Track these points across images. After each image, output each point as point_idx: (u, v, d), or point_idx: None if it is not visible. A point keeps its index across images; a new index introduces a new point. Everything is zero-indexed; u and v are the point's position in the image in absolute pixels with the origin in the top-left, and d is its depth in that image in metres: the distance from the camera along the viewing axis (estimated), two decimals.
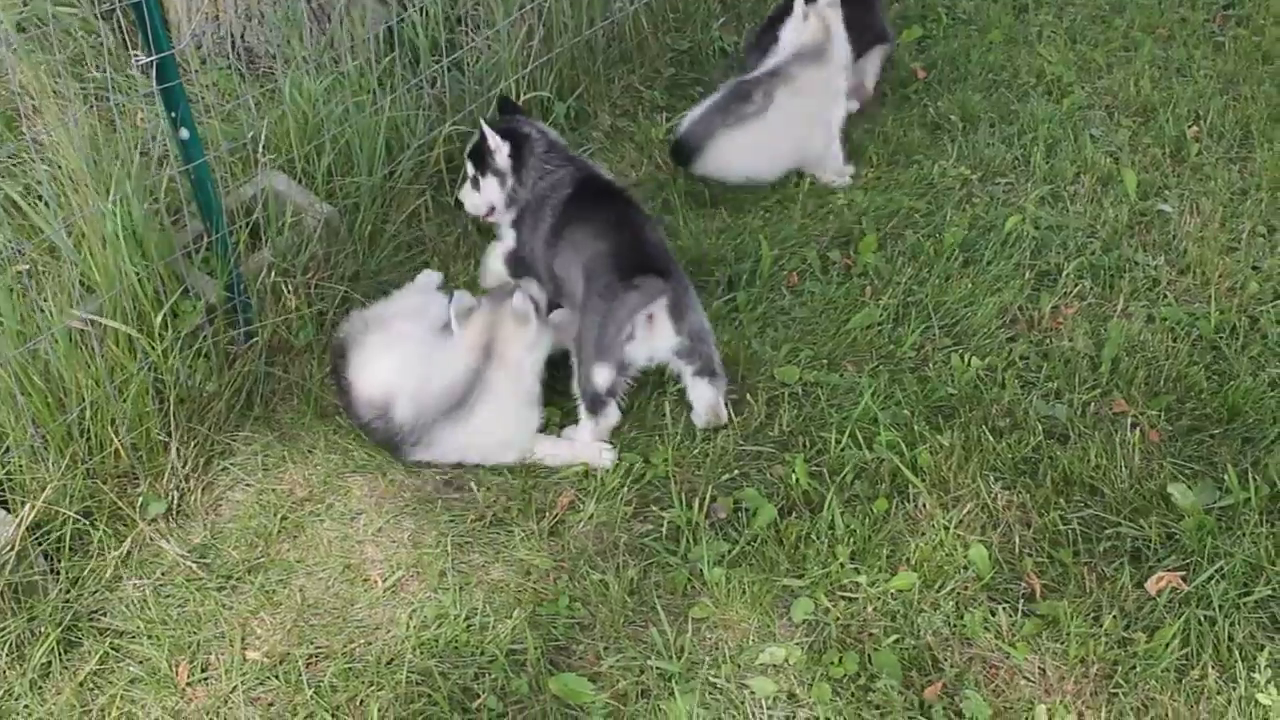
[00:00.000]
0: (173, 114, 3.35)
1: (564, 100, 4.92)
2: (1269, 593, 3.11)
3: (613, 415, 3.62)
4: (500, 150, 3.83)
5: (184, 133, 3.39)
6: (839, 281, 4.17)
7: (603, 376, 3.49)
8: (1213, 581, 3.12)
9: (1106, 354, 3.77)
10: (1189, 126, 4.91)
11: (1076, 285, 4.09)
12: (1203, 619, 3.05)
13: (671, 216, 4.51)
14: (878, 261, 4.22)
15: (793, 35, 4.74)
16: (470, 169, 3.97)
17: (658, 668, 3.02)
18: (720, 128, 4.63)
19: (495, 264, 4.03)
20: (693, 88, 5.34)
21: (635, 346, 3.52)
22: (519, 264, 3.94)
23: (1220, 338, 3.86)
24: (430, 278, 4.09)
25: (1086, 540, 3.24)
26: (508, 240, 3.96)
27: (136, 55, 3.22)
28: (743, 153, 4.64)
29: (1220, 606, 3.07)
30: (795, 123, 4.63)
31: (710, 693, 2.97)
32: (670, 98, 5.28)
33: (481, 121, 3.88)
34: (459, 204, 4.12)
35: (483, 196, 3.96)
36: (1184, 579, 3.14)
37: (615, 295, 3.44)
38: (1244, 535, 3.22)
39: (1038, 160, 4.72)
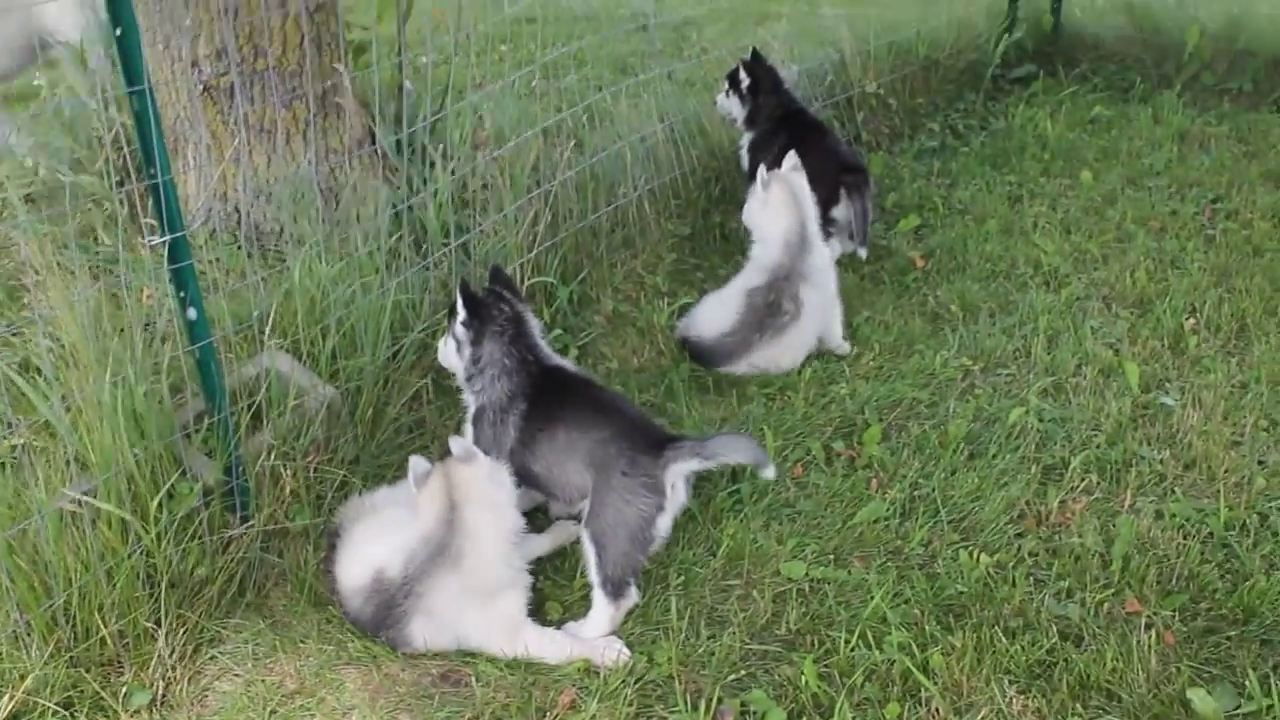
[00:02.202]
0: (182, 294, 3.34)
1: (567, 284, 4.95)
2: None
3: (634, 596, 3.61)
4: (458, 315, 3.80)
5: (192, 313, 3.37)
6: (844, 474, 4.13)
7: (643, 556, 3.59)
8: None
9: (1117, 551, 3.70)
10: (1186, 319, 4.96)
11: (1083, 480, 4.05)
12: None
13: (675, 404, 4.50)
14: (882, 454, 4.18)
15: (758, 208, 4.83)
16: (448, 320, 3.93)
17: None
18: (758, 344, 4.73)
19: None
20: (694, 273, 5.42)
21: (665, 516, 3.60)
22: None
23: (1231, 535, 3.81)
24: (419, 465, 3.95)
25: None
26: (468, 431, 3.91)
27: (150, 236, 3.23)
28: (779, 356, 4.75)
29: None
30: (817, 313, 4.75)
31: None
32: (672, 283, 5.34)
33: (460, 281, 3.83)
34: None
35: (445, 352, 3.93)
36: None
37: (645, 470, 3.53)
38: None
39: (1039, 352, 4.75)
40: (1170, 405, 4.42)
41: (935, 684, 3.27)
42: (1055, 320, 4.97)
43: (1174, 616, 3.52)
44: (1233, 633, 3.48)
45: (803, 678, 3.28)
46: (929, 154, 6.78)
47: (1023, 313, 5.03)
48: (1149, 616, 3.51)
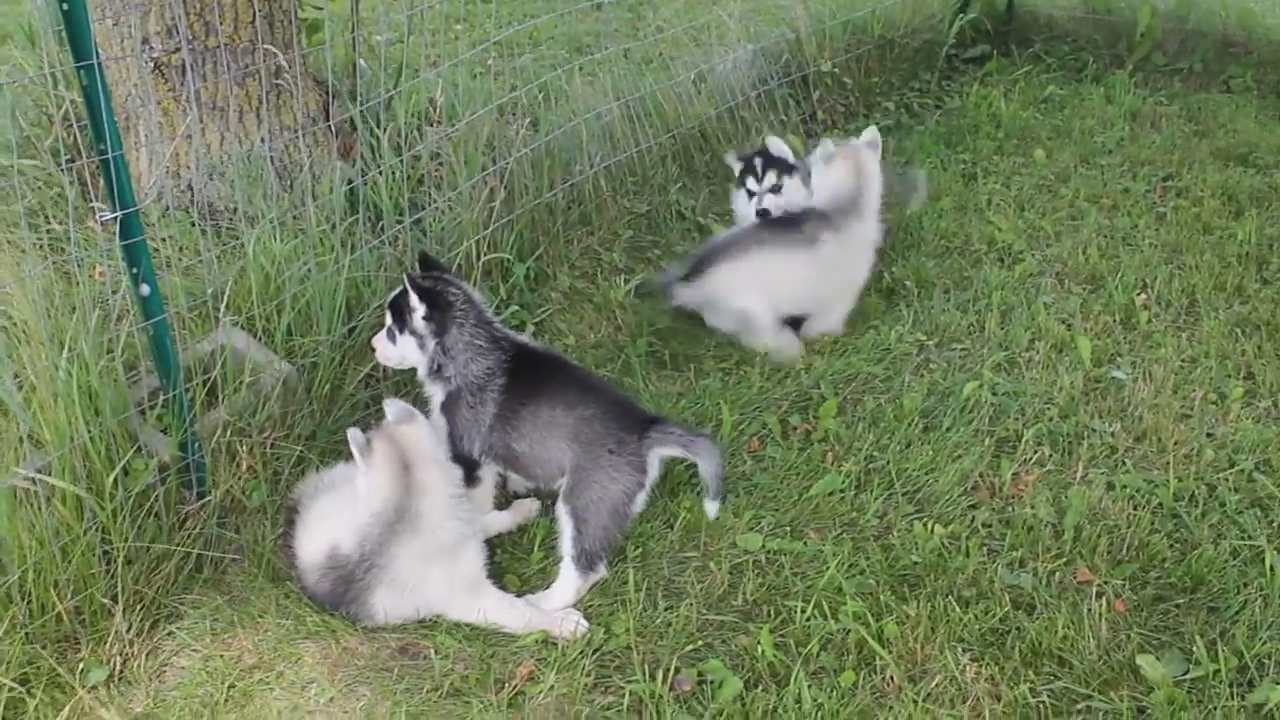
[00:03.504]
0: (134, 270, 3.32)
1: (524, 261, 4.95)
2: None
3: (603, 571, 3.65)
4: (416, 312, 3.76)
5: (145, 289, 3.35)
6: (800, 447, 4.17)
7: (619, 533, 3.69)
8: None
9: (1069, 521, 3.76)
10: (1137, 294, 5.03)
11: (1036, 452, 4.10)
12: None
13: (631, 379, 4.51)
14: (838, 427, 4.22)
15: (820, 181, 4.88)
16: (389, 319, 3.86)
17: None
18: (755, 248, 4.76)
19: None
20: (650, 250, 5.43)
21: (643, 493, 3.70)
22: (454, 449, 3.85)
23: (1180, 505, 3.87)
24: (357, 436, 3.54)
25: (1057, 714, 3.17)
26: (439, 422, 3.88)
27: (101, 210, 3.20)
28: (760, 281, 4.70)
29: None
30: (824, 270, 4.76)
31: None
32: (629, 259, 5.35)
33: (406, 277, 3.74)
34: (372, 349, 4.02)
35: (397, 351, 3.88)
36: None
37: (631, 449, 3.63)
38: (1215, 708, 3.17)
39: (992, 327, 4.80)
40: (1121, 379, 4.49)
41: (890, 652, 3.31)
42: (1009, 296, 5.02)
43: (1124, 585, 3.58)
44: (1181, 600, 3.54)
45: (759, 647, 3.32)
46: (884, 132, 6.76)
47: (977, 288, 5.08)
48: (1100, 585, 3.57)
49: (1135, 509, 3.85)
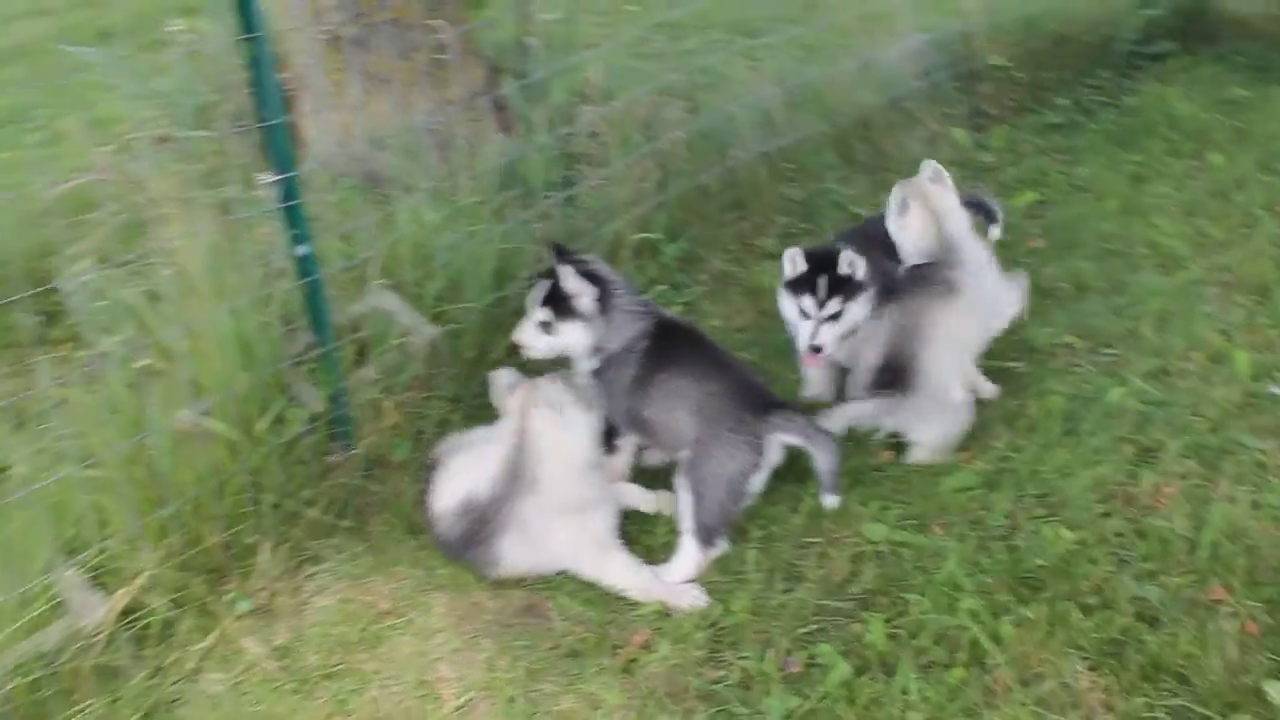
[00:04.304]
0: (293, 231, 3.51)
1: (674, 242, 5.02)
2: None
3: (723, 546, 3.72)
4: (586, 295, 3.85)
5: (302, 249, 3.55)
6: None
7: (736, 509, 3.74)
8: None
9: (1206, 538, 3.65)
10: None
11: (1179, 464, 3.99)
12: None
13: (779, 365, 4.56)
14: (975, 425, 4.19)
15: (898, 232, 4.35)
16: (544, 314, 3.89)
17: None
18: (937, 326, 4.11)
19: None
20: (804, 237, 5.42)
21: (760, 474, 3.73)
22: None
23: None
24: (504, 376, 3.78)
25: None
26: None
27: (264, 174, 3.40)
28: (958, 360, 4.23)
29: None
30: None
31: None
32: (782, 246, 5.34)
33: (562, 265, 3.81)
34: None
35: (556, 340, 3.92)
36: None
37: (750, 430, 3.67)
38: None
39: (1147, 333, 4.67)
40: (1279, 395, 4.32)
41: (1004, 653, 3.29)
42: (1168, 303, 4.86)
43: (1261, 608, 3.46)
44: None
45: (870, 635, 3.34)
46: (1053, 129, 6.66)
47: (1134, 293, 4.95)
48: (1233, 606, 3.46)
49: None
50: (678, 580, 3.64)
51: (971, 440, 4.14)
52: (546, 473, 3.55)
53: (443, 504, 3.72)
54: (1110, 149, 6.40)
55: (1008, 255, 5.31)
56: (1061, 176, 6.05)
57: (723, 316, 4.90)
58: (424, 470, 3.92)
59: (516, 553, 3.61)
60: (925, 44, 6.62)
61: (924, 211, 4.28)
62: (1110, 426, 4.16)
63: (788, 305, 4.21)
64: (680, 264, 5.05)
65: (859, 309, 4.15)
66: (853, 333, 4.17)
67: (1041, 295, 5.03)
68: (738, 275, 5.12)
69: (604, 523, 3.68)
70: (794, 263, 4.17)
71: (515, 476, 3.56)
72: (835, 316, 4.11)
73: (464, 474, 3.72)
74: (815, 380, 4.44)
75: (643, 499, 3.97)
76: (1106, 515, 3.80)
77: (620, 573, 3.62)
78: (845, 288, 4.10)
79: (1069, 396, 4.31)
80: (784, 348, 4.61)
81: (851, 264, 4.10)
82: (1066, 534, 3.68)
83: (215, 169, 4.58)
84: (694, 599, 3.56)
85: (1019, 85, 6.86)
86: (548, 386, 3.60)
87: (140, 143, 4.95)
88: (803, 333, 4.15)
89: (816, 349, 4.12)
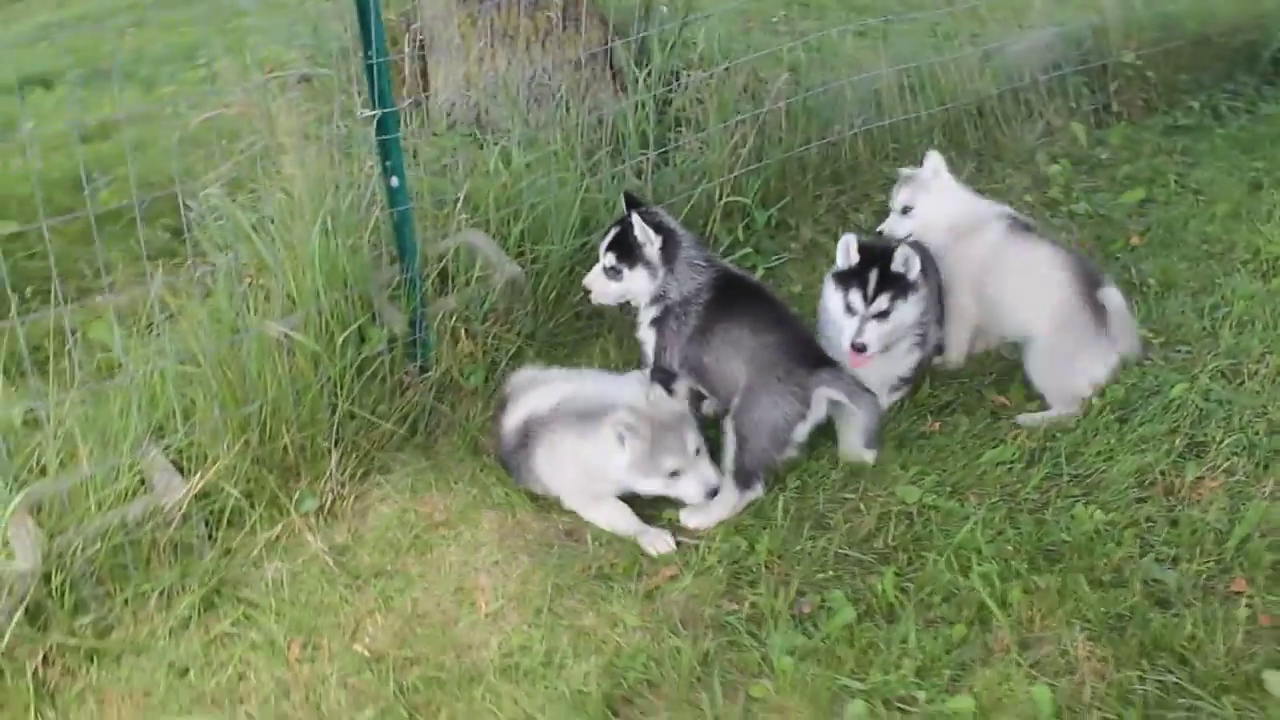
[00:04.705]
0: (386, 163, 3.82)
1: (766, 209, 5.19)
2: None
3: (759, 490, 3.92)
4: (653, 244, 4.07)
5: (394, 180, 3.85)
6: (986, 419, 4.25)
7: (779, 456, 3.93)
8: None
9: (1238, 531, 3.66)
10: None
11: (1228, 460, 3.99)
12: None
13: None
14: (1031, 407, 4.27)
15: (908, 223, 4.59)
16: (611, 259, 4.11)
17: None
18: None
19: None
20: None
21: (805, 425, 3.90)
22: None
23: None
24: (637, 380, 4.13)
25: (1161, 705, 3.17)
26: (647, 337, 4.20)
27: (363, 110, 3.71)
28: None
29: None
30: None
31: None
32: (877, 221, 5.46)
33: (634, 214, 4.04)
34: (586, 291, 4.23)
35: (622, 286, 4.15)
36: None
37: (798, 381, 3.86)
38: None
39: (1225, 335, 4.64)
40: None
41: (1008, 617, 3.39)
42: (1254, 307, 4.80)
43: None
44: None
45: (880, 585, 3.48)
46: (1178, 130, 6.58)
47: (1221, 294, 4.92)
48: (1251, 598, 3.48)
49: None
50: (714, 519, 3.85)
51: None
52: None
53: (510, 424, 4.00)
54: (1233, 154, 6.30)
55: (1105, 252, 5.34)
56: (1176, 177, 5.99)
57: (806, 284, 5.05)
58: (494, 399, 4.20)
59: (543, 471, 3.88)
60: (1056, 36, 6.61)
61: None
62: (1165, 419, 4.16)
63: (833, 298, 4.11)
64: (770, 231, 5.22)
65: (909, 310, 4.06)
66: (900, 336, 4.12)
67: (1128, 290, 5.03)
68: (827, 247, 5.23)
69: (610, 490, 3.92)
70: (847, 251, 4.10)
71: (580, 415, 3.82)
72: (883, 315, 4.02)
73: (537, 399, 4.00)
74: None
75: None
76: (1142, 501, 3.83)
77: (608, 514, 3.88)
78: (897, 285, 4.02)
79: (1129, 387, 4.33)
80: None
81: (907, 261, 4.02)
82: (1098, 514, 3.74)
83: (342, 108, 4.93)
84: (666, 544, 3.76)
85: (1149, 84, 6.79)
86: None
87: (280, 82, 5.32)
88: (846, 329, 4.05)
89: (860, 348, 4.00)
